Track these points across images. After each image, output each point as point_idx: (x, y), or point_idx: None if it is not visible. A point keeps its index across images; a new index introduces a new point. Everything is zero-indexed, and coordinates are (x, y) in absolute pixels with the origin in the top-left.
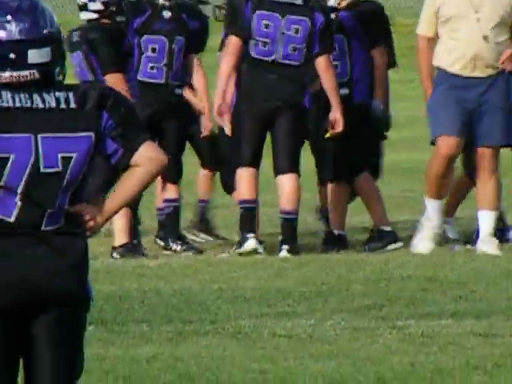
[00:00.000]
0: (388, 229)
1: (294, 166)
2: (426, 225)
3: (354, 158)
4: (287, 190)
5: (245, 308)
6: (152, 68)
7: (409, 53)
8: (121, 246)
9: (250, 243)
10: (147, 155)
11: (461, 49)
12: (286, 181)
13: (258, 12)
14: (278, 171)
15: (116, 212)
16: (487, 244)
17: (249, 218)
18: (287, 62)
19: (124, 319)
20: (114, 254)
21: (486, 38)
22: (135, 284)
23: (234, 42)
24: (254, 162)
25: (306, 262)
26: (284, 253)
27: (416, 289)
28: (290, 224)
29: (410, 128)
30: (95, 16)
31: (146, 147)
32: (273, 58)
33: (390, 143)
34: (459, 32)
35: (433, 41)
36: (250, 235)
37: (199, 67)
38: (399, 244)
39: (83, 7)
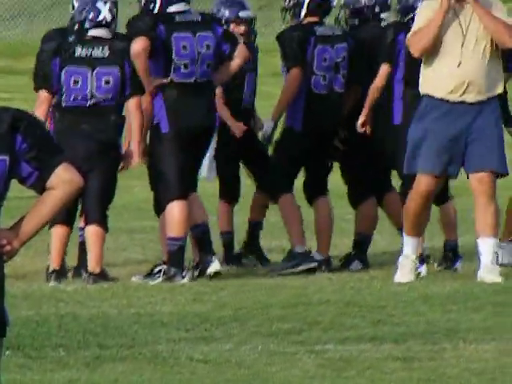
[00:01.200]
0: (301, 250)
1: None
2: (406, 262)
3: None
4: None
5: (162, 333)
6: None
7: None
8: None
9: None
10: (62, 178)
11: (449, 74)
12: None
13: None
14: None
15: (32, 236)
16: (491, 273)
17: (179, 255)
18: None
19: (41, 344)
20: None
21: (473, 63)
22: (52, 309)
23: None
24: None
25: (224, 286)
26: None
27: (335, 313)
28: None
29: None
30: None
31: (62, 170)
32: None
33: None
34: (447, 57)
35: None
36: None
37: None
38: (312, 264)
39: None
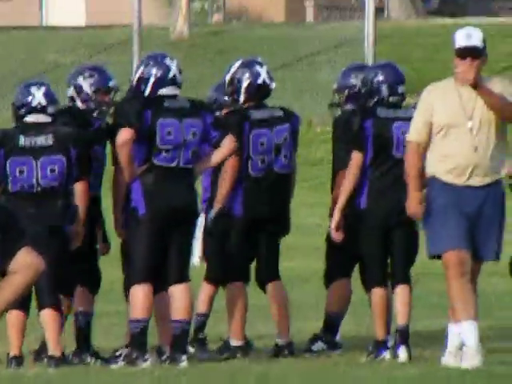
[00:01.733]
0: (238, 344)
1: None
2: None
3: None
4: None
5: None
6: None
7: None
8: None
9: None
10: (24, 262)
11: (455, 157)
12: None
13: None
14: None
15: None
16: (475, 358)
17: (142, 337)
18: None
19: None
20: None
21: (478, 146)
22: None
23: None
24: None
25: (186, 371)
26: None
27: None
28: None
29: None
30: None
31: (24, 254)
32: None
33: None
34: (453, 141)
35: (423, 148)
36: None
37: None
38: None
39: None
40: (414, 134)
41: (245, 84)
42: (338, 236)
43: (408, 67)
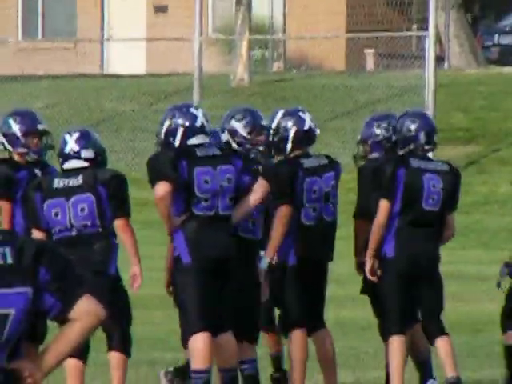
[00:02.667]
0: None
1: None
2: None
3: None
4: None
5: None
6: None
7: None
8: None
9: None
10: (85, 309)
11: None
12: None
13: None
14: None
15: (55, 367)
16: None
17: None
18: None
19: None
20: None
21: None
22: None
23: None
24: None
25: None
26: None
27: None
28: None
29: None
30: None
31: (84, 301)
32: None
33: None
34: None
35: None
36: None
37: None
38: None
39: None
40: None
41: (292, 131)
42: (375, 278)
43: (468, 116)
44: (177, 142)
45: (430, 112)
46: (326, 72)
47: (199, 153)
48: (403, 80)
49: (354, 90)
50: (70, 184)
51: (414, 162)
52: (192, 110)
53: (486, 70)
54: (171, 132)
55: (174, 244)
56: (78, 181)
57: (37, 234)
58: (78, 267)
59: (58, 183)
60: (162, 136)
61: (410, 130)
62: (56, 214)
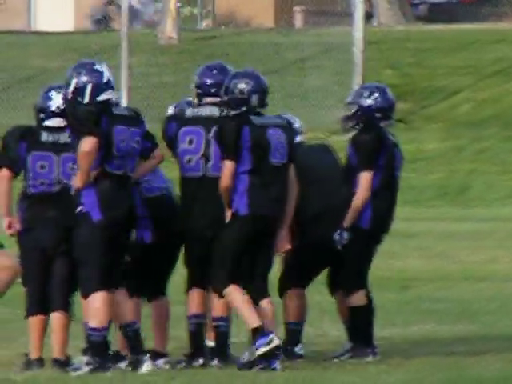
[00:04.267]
0: None
1: None
2: None
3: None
4: None
5: None
6: None
7: None
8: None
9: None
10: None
11: None
12: None
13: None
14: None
15: None
16: None
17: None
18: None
19: None
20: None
21: None
22: None
23: None
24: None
25: (175, 374)
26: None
27: None
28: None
29: None
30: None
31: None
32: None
33: None
34: None
35: None
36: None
37: None
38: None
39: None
40: None
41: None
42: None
43: (396, 73)
44: (86, 100)
45: (358, 69)
46: (254, 29)
47: (115, 111)
48: (332, 37)
49: (282, 48)
50: (61, 141)
51: (256, 119)
52: (97, 66)
53: (414, 26)
54: (79, 90)
55: (82, 200)
56: (68, 138)
57: (2, 174)
58: (56, 223)
59: (48, 137)
60: (70, 95)
61: (242, 92)
62: (42, 167)
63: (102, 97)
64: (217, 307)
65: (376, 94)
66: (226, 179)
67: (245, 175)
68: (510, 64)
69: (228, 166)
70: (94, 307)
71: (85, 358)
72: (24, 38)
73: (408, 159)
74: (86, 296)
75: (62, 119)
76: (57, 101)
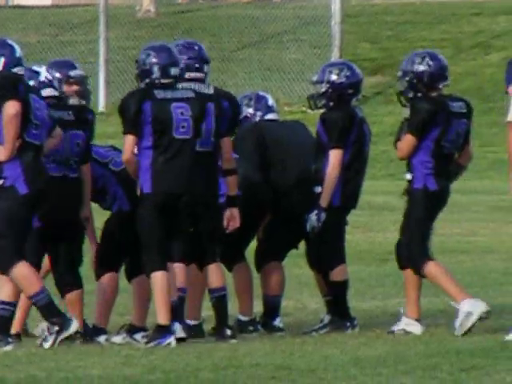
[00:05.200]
0: (246, 319)
1: None
2: None
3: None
4: None
5: None
6: None
7: None
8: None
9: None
10: None
11: None
12: None
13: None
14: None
15: None
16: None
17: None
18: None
19: None
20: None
21: None
22: None
23: None
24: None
25: (154, 349)
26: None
27: (265, 376)
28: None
29: None
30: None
31: None
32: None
33: None
34: None
35: None
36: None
37: None
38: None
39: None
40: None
41: None
42: None
43: (375, 46)
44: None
45: (336, 42)
46: (232, 3)
47: (29, 81)
48: (310, 10)
49: (260, 21)
50: (66, 118)
51: (160, 94)
52: (9, 41)
53: (393, 0)
54: None
55: (4, 173)
56: (70, 116)
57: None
58: None
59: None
60: None
61: (145, 64)
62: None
63: (17, 70)
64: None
65: (345, 71)
66: (127, 153)
67: (148, 150)
68: (489, 37)
69: (129, 140)
70: (23, 276)
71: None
72: (2, 13)
73: (387, 132)
74: (7, 268)
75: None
76: (44, 73)
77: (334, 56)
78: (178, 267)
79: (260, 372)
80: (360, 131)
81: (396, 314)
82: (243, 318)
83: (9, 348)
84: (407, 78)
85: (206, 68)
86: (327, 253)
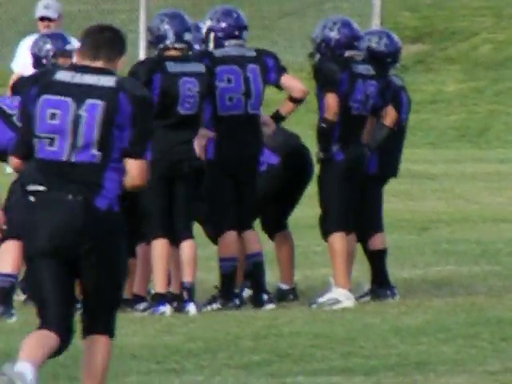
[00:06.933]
0: (287, 287)
1: None
2: None
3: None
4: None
5: (132, 365)
6: None
7: None
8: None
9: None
10: None
11: None
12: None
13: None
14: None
15: None
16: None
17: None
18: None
19: None
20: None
21: None
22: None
23: None
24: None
25: (194, 318)
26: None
27: (305, 345)
28: None
29: None
30: None
31: None
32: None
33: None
34: None
35: None
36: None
37: None
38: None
39: None
40: None
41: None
42: None
43: (415, 15)
44: None
45: (377, 10)
46: None
47: None
48: None
49: None
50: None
51: (172, 67)
52: None
53: None
54: None
55: None
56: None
57: None
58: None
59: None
60: None
61: (159, 29)
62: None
63: None
64: None
65: (384, 39)
66: None
67: None
68: None
69: None
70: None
71: None
72: None
73: (428, 100)
74: None
75: None
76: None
77: (375, 24)
78: (249, 234)
79: (300, 340)
80: (398, 99)
81: (436, 283)
82: (284, 287)
83: (13, 320)
84: (317, 41)
85: (244, 34)
86: (365, 221)
